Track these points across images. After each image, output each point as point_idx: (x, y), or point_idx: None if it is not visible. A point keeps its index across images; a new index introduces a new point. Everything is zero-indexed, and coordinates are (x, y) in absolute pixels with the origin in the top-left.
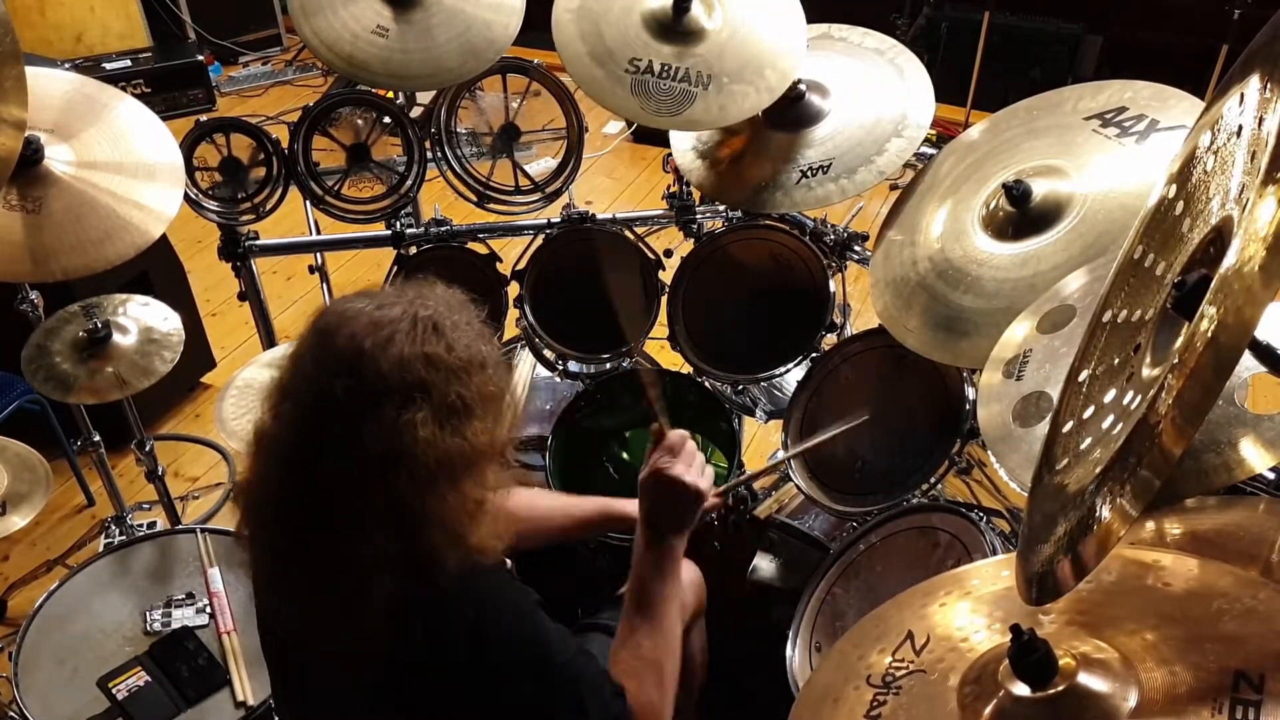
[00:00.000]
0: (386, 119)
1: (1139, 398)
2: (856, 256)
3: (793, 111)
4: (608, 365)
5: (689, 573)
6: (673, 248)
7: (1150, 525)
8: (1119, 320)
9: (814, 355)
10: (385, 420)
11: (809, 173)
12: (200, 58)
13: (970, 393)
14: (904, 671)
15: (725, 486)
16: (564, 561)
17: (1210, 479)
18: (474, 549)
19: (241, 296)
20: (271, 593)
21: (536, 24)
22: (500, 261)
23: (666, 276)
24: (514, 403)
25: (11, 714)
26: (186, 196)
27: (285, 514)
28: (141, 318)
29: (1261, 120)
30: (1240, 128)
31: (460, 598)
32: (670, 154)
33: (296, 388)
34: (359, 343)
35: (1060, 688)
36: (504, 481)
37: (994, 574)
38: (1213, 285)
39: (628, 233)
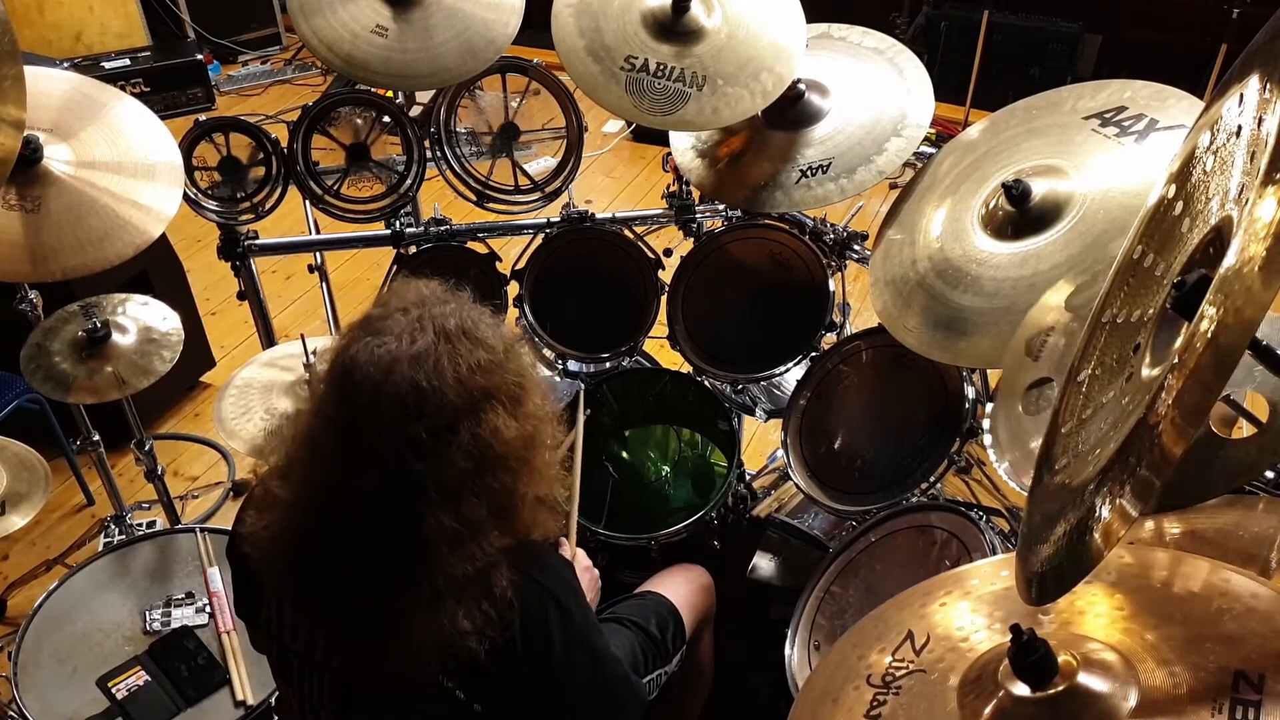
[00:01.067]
0: (386, 118)
1: (1139, 398)
2: (856, 256)
3: (792, 111)
4: (607, 364)
5: (699, 577)
6: (672, 247)
7: (1150, 525)
8: (1119, 320)
9: (813, 354)
10: (468, 439)
11: (808, 172)
12: (199, 57)
13: (970, 392)
14: (904, 671)
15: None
16: None
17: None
18: (552, 506)
19: (241, 296)
20: (321, 633)
21: (536, 23)
22: (500, 261)
23: (666, 276)
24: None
25: (11, 713)
26: (186, 196)
27: (382, 561)
28: (141, 317)
29: (1261, 120)
30: (1240, 128)
31: (550, 584)
32: (670, 153)
33: (373, 452)
34: (415, 382)
35: (1060, 688)
36: (562, 434)
37: (993, 574)
38: (1212, 285)
39: (627, 232)
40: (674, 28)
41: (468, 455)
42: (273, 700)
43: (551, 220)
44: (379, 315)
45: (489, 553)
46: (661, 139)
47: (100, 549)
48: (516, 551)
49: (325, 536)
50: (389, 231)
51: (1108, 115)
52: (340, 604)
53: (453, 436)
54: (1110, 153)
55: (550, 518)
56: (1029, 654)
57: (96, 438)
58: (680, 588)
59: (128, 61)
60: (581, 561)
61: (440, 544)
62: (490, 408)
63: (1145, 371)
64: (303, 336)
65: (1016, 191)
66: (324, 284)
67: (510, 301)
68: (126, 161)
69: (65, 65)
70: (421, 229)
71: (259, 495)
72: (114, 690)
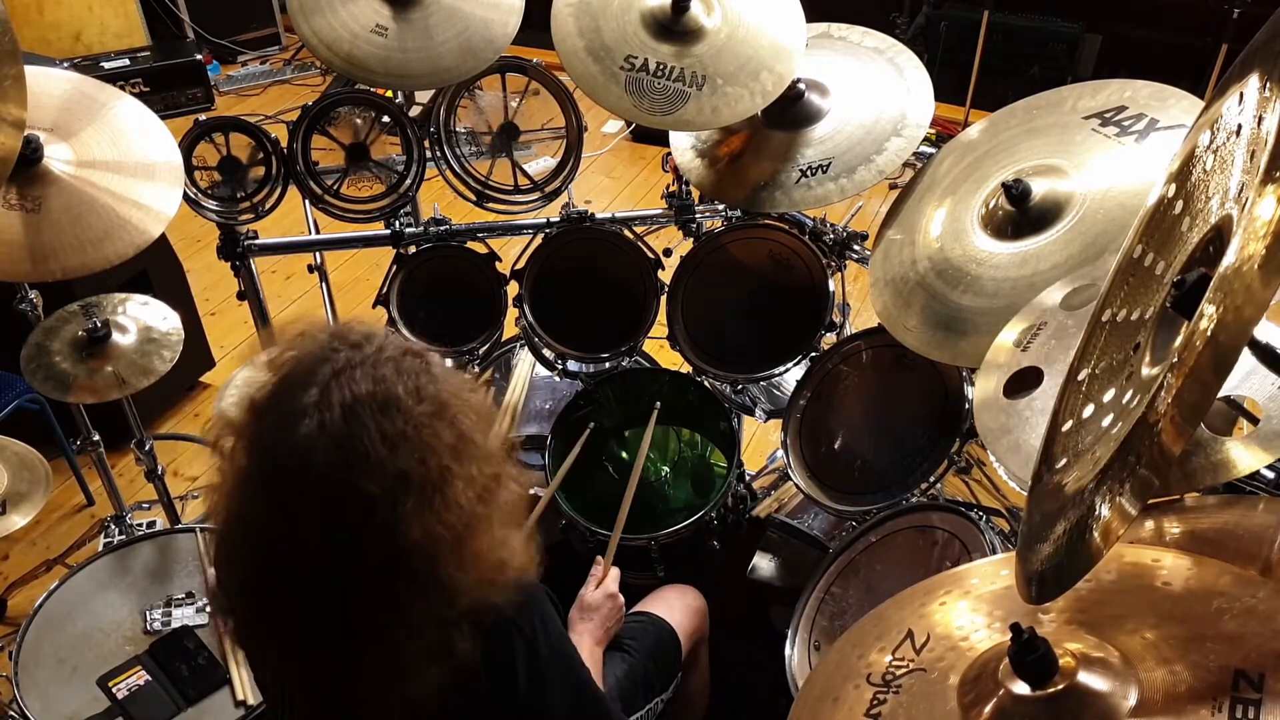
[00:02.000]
0: (385, 118)
1: (1138, 397)
2: (856, 256)
3: (792, 111)
4: (607, 364)
5: (693, 600)
6: (672, 247)
7: (1150, 524)
8: (1118, 319)
9: (813, 354)
10: (398, 526)
11: (808, 172)
12: (199, 57)
13: (969, 391)
14: (904, 670)
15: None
16: (564, 563)
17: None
18: (518, 571)
19: (241, 296)
20: (289, 686)
21: (535, 23)
22: (499, 261)
23: (666, 276)
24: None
25: (11, 713)
26: (185, 196)
27: (324, 637)
28: (141, 317)
29: (1261, 119)
30: (1239, 127)
31: (515, 615)
32: (669, 153)
33: (300, 540)
34: (332, 478)
35: (1060, 686)
36: (519, 496)
37: (993, 573)
38: (1212, 284)
39: (627, 232)
40: (674, 27)
41: (397, 544)
42: None
43: (551, 220)
44: (289, 377)
45: (438, 628)
46: (661, 139)
47: (100, 549)
48: (476, 608)
49: (271, 608)
50: (389, 231)
51: (1108, 115)
52: (297, 666)
53: (379, 523)
54: (1110, 152)
55: (516, 564)
56: (1029, 653)
57: (96, 438)
58: (676, 611)
59: (127, 61)
60: (608, 588)
61: (378, 627)
62: (419, 490)
63: (1145, 370)
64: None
65: (1016, 191)
66: (324, 284)
67: (510, 302)
68: (126, 161)
69: (65, 65)
70: (421, 229)
71: (215, 553)
72: (114, 690)
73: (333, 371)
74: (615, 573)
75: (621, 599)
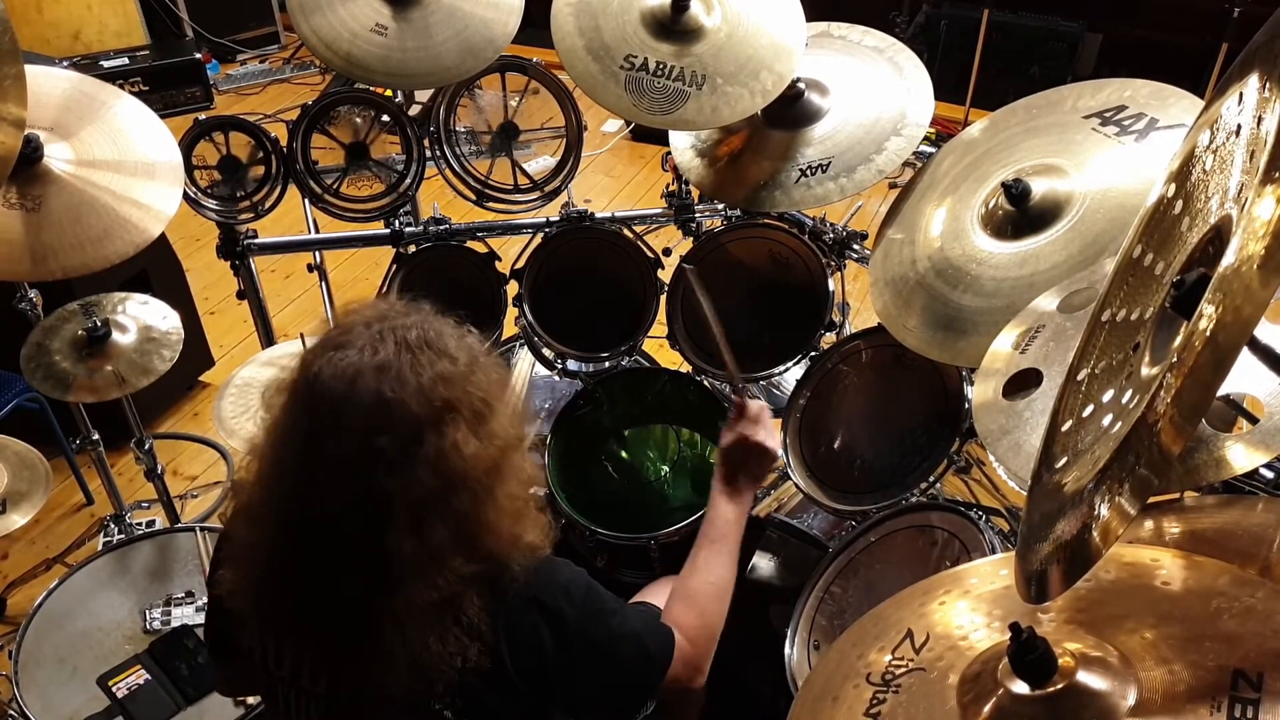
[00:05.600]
0: (385, 117)
1: (1138, 396)
2: (855, 255)
3: (792, 110)
4: (606, 364)
5: None
6: (671, 246)
7: (1149, 524)
8: (1118, 319)
9: (813, 354)
10: (432, 454)
11: (808, 171)
12: (198, 55)
13: (969, 391)
14: (903, 670)
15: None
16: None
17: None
18: (532, 546)
19: (240, 295)
20: (306, 658)
21: (535, 22)
22: (499, 260)
23: (665, 275)
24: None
25: (11, 712)
26: (185, 195)
27: (348, 589)
28: (140, 316)
29: (1260, 119)
30: (1239, 127)
31: (535, 591)
32: (669, 152)
33: (339, 467)
34: (379, 393)
35: (1059, 686)
36: (535, 471)
37: (993, 573)
38: (1211, 284)
39: (626, 232)
40: (673, 27)
41: (431, 471)
42: None
43: (551, 220)
44: (339, 331)
45: (452, 581)
46: (661, 138)
47: (100, 548)
48: (492, 574)
49: (297, 561)
50: (388, 231)
51: (1108, 114)
52: (317, 628)
53: (417, 449)
54: (1110, 152)
55: (519, 557)
56: (1028, 652)
57: (96, 437)
58: None
59: (126, 60)
60: (748, 433)
61: (402, 568)
62: (452, 421)
63: (1144, 370)
64: (302, 335)
65: (1016, 191)
66: (323, 283)
67: (510, 301)
68: (126, 160)
69: (64, 64)
70: (421, 228)
71: (230, 552)
72: (114, 689)
73: (385, 321)
74: (759, 406)
75: (769, 441)
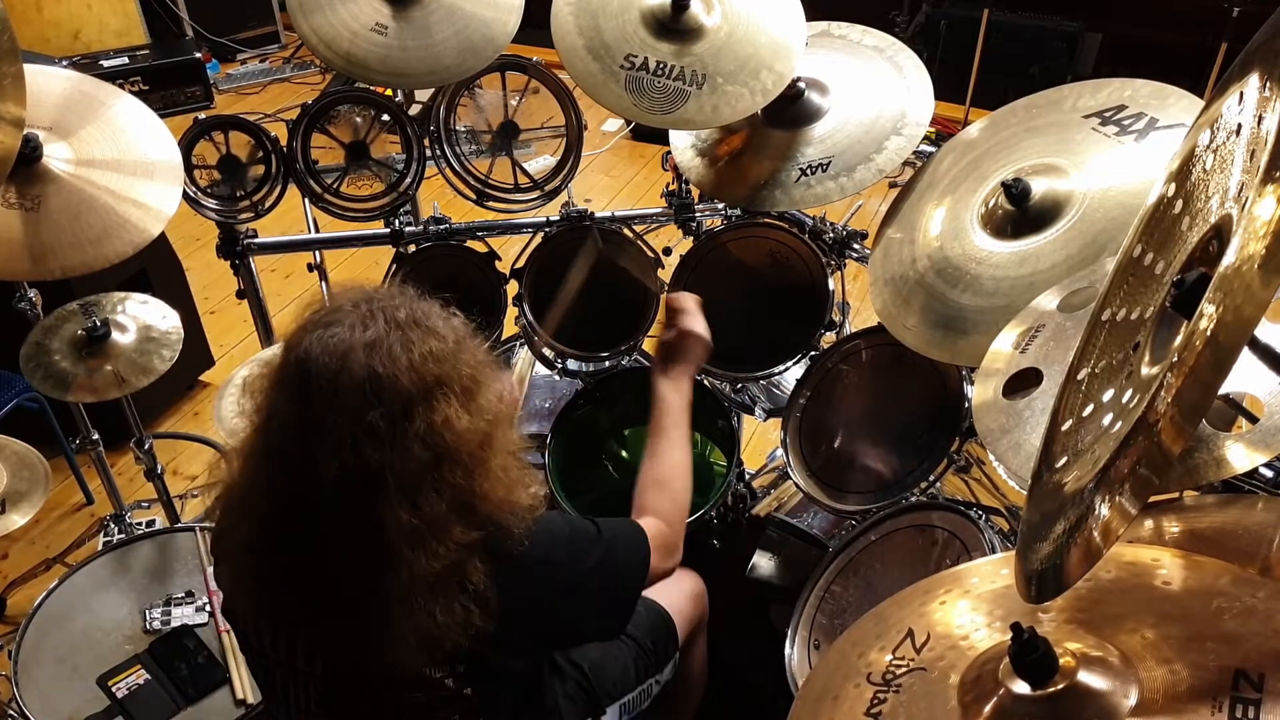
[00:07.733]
0: (385, 117)
1: (1138, 396)
2: (855, 254)
3: (792, 109)
4: (606, 363)
5: (692, 584)
6: (672, 246)
7: (1149, 523)
8: (1118, 319)
9: (813, 353)
10: (423, 427)
11: (808, 171)
12: (198, 55)
13: (969, 390)
14: (904, 669)
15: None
16: None
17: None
18: (529, 508)
19: (240, 294)
20: (303, 641)
21: (535, 21)
22: (499, 260)
23: (666, 275)
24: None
25: (11, 712)
26: (185, 194)
27: (347, 562)
28: (140, 316)
29: (1261, 118)
30: (1239, 126)
31: (534, 549)
32: (669, 152)
33: (332, 443)
34: (370, 368)
35: (1060, 686)
36: (520, 440)
37: (993, 572)
38: (1212, 283)
39: (627, 231)
40: (673, 26)
41: (424, 445)
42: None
43: (551, 219)
44: (327, 311)
45: (453, 549)
46: (661, 137)
47: (100, 548)
48: (493, 540)
49: (290, 543)
50: (388, 230)
51: (1107, 114)
52: (313, 609)
53: (408, 424)
54: (1110, 151)
55: (516, 521)
56: (1029, 652)
57: (96, 436)
58: (673, 595)
59: (126, 60)
60: (682, 324)
61: (401, 542)
62: (443, 396)
63: (1145, 370)
64: None
65: (1016, 190)
66: (323, 283)
67: (509, 300)
68: (126, 160)
69: (64, 63)
70: (421, 228)
71: (224, 547)
72: (114, 689)
73: (373, 301)
74: (691, 298)
75: (698, 327)
